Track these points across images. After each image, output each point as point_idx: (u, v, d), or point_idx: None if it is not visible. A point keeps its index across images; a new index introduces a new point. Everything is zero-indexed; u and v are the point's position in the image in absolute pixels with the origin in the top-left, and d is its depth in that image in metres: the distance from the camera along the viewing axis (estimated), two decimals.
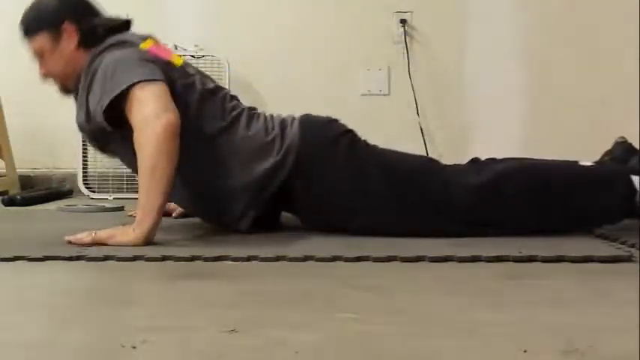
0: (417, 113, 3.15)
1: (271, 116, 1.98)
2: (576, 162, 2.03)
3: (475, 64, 3.22)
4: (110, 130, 1.85)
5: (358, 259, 1.56)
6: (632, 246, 1.69)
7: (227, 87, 2.96)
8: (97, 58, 1.89)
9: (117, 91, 1.79)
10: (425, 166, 1.96)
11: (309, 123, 1.95)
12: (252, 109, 2.00)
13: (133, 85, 1.78)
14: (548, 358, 0.91)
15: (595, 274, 1.47)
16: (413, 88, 3.16)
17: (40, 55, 1.96)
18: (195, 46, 3.04)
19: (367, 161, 1.90)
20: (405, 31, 3.20)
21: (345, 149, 1.91)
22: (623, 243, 1.74)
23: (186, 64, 2.01)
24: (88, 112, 1.89)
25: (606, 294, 1.31)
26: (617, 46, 3.15)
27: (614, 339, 1.00)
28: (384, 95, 3.23)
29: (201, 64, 3.03)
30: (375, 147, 1.96)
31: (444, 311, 1.17)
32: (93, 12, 2.00)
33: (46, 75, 1.98)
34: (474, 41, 3.22)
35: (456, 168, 1.97)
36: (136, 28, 3.10)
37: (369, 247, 1.66)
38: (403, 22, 3.20)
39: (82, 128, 1.97)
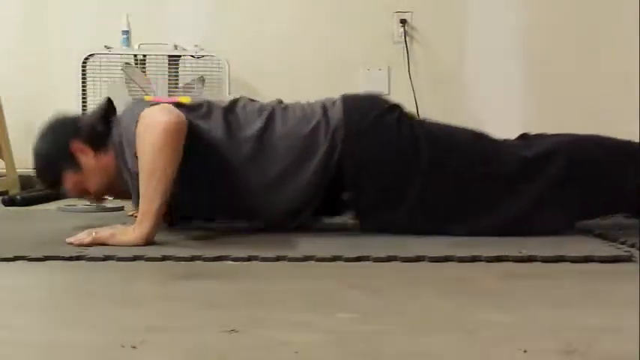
0: (417, 113, 3.15)
1: (308, 103, 1.95)
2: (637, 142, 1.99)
3: (475, 64, 3.22)
4: None
5: (358, 259, 1.56)
6: (632, 246, 1.69)
7: (227, 87, 2.97)
8: (118, 147, 1.87)
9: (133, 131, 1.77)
10: (475, 139, 1.93)
11: (352, 102, 1.92)
12: (280, 102, 1.98)
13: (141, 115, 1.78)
14: (548, 358, 0.91)
15: (595, 274, 1.47)
16: (413, 88, 3.17)
17: (79, 189, 1.94)
18: (195, 46, 3.04)
19: (416, 136, 1.87)
20: (405, 31, 3.20)
21: (392, 126, 1.88)
22: (623, 243, 1.74)
23: (193, 99, 2.01)
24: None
25: (606, 294, 1.31)
26: (618, 45, 3.15)
27: (614, 339, 1.00)
28: (384, 95, 3.23)
29: (201, 64, 3.04)
30: (422, 121, 1.93)
31: (444, 311, 1.17)
32: (76, 122, 2.00)
33: (98, 196, 1.97)
34: (474, 41, 3.22)
35: (505, 142, 1.95)
36: (137, 28, 3.12)
37: (369, 247, 1.66)
38: (403, 22, 3.21)
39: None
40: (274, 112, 1.92)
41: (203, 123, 1.88)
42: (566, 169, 1.85)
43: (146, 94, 2.98)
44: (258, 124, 1.89)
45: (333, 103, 1.92)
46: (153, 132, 1.73)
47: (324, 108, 1.91)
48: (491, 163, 1.87)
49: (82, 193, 1.96)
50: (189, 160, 1.77)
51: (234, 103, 1.97)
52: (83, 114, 2.06)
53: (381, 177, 1.87)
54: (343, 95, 1.95)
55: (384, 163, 1.86)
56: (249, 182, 1.88)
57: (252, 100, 2.01)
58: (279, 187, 1.87)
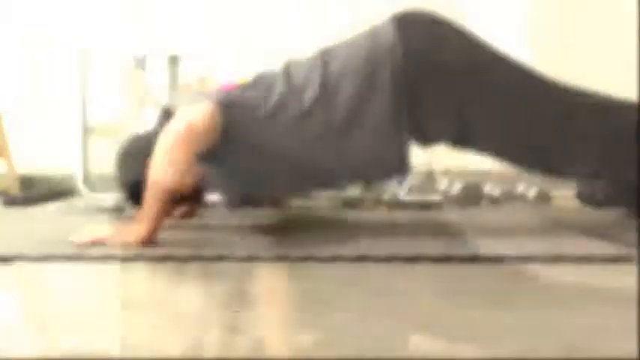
0: None
1: (352, 38, 1.92)
2: None
3: None
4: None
5: (358, 259, 1.57)
6: (632, 246, 1.69)
7: None
8: None
9: None
10: (534, 75, 1.94)
11: (406, 20, 1.88)
12: (322, 51, 1.94)
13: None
14: (548, 358, 0.91)
15: (595, 274, 1.47)
16: None
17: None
18: (195, 46, 3.04)
19: (483, 61, 1.87)
20: None
21: (456, 47, 1.87)
22: (623, 243, 1.74)
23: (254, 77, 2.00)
24: None
25: (606, 294, 1.31)
26: (618, 45, 3.15)
27: (614, 339, 1.00)
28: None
29: (201, 64, 3.03)
30: (486, 46, 1.91)
31: (444, 311, 1.17)
32: (146, 138, 1.98)
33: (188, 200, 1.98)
34: None
35: (558, 84, 1.97)
36: (137, 28, 3.11)
37: (369, 247, 1.66)
38: None
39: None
40: (326, 57, 1.90)
41: (270, 96, 1.87)
42: (613, 125, 1.89)
43: (146, 94, 2.98)
44: (316, 74, 1.87)
45: (382, 24, 1.88)
46: (163, 140, 1.76)
47: (373, 34, 1.88)
48: (544, 100, 1.88)
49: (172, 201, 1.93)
50: (271, 137, 1.82)
51: (287, 67, 1.95)
52: (146, 131, 2.03)
53: (443, 93, 1.83)
54: (393, 16, 1.89)
55: (448, 87, 1.82)
56: (327, 138, 1.84)
57: (296, 61, 1.98)
58: (353, 132, 1.83)
